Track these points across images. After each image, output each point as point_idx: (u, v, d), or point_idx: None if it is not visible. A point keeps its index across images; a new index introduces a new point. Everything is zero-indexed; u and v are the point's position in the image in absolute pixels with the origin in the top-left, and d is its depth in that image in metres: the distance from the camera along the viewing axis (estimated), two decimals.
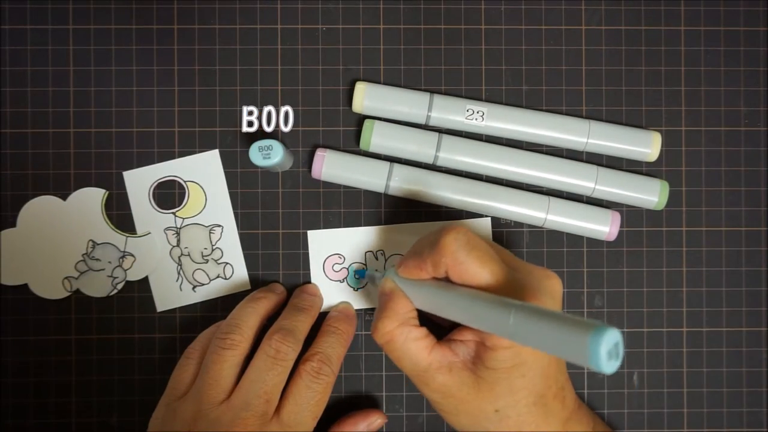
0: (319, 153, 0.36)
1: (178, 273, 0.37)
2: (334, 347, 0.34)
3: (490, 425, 0.29)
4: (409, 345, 0.29)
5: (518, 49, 0.38)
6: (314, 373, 0.32)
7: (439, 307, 0.29)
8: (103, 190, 0.37)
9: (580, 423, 0.31)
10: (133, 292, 0.37)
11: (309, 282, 0.37)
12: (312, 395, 0.32)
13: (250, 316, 0.33)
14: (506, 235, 0.38)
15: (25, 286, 0.36)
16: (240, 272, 0.37)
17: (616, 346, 0.21)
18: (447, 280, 0.29)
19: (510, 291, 0.27)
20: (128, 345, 0.37)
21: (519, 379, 0.28)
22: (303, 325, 0.34)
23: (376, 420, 0.36)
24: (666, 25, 0.38)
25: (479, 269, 0.27)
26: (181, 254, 0.37)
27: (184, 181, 0.37)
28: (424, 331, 0.30)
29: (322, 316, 0.36)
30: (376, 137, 0.36)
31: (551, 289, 0.28)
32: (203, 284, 0.37)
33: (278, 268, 0.37)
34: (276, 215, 0.37)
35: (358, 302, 0.37)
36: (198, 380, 0.32)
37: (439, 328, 0.33)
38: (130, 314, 0.37)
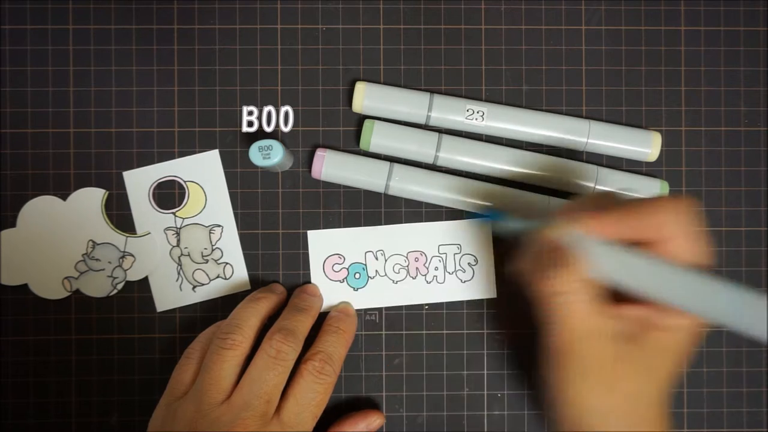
0: (319, 153, 0.36)
1: (178, 273, 0.37)
2: (335, 346, 0.33)
3: (615, 411, 0.28)
4: (582, 306, 0.27)
5: (518, 49, 0.38)
6: (316, 373, 0.32)
7: (636, 279, 0.26)
8: (103, 190, 0.37)
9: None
10: (133, 292, 0.37)
11: (309, 282, 0.37)
12: (313, 396, 0.32)
13: (250, 316, 0.33)
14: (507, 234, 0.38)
15: (25, 286, 0.36)
16: (240, 272, 0.37)
17: None
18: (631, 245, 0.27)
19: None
20: (128, 345, 0.37)
21: (668, 366, 0.28)
22: (303, 325, 0.34)
23: (375, 420, 0.36)
24: (666, 25, 0.38)
25: (696, 249, 0.26)
26: (181, 254, 0.37)
27: (184, 181, 0.37)
28: (595, 294, 0.28)
29: (323, 317, 0.36)
30: (376, 137, 0.36)
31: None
32: (203, 284, 0.37)
33: (278, 268, 0.37)
34: (276, 215, 0.37)
35: (358, 302, 0.37)
36: (198, 380, 0.32)
37: None
38: (130, 314, 0.37)
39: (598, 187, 0.36)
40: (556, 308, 0.28)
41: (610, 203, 0.28)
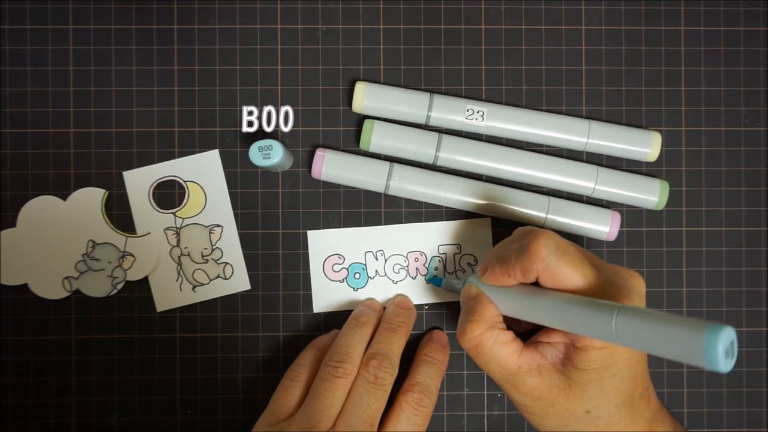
0: (319, 153, 0.36)
1: (178, 273, 0.37)
2: (432, 377, 0.34)
3: (579, 426, 0.30)
4: (498, 348, 0.29)
5: (518, 49, 0.38)
6: (415, 405, 0.32)
7: (529, 313, 0.29)
8: (103, 190, 0.37)
9: (663, 423, 0.31)
10: (133, 292, 0.37)
11: (401, 294, 0.37)
12: (412, 427, 0.32)
13: (359, 343, 0.33)
14: (507, 236, 0.38)
15: (25, 286, 0.36)
16: (240, 272, 0.37)
17: (732, 345, 0.21)
18: (534, 284, 0.29)
19: (601, 293, 0.27)
20: (128, 345, 0.37)
21: (610, 379, 0.28)
22: (397, 347, 0.34)
23: None
24: (666, 25, 0.38)
25: (572, 273, 0.28)
26: (181, 254, 0.37)
27: (184, 181, 0.37)
28: (511, 334, 0.30)
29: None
30: (376, 137, 0.36)
31: (638, 288, 0.28)
32: (203, 284, 0.37)
33: (278, 268, 0.37)
34: (276, 215, 0.37)
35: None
36: (307, 405, 0.32)
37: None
38: (129, 314, 0.37)
39: (598, 187, 0.36)
40: (477, 357, 0.30)
41: (508, 255, 0.30)
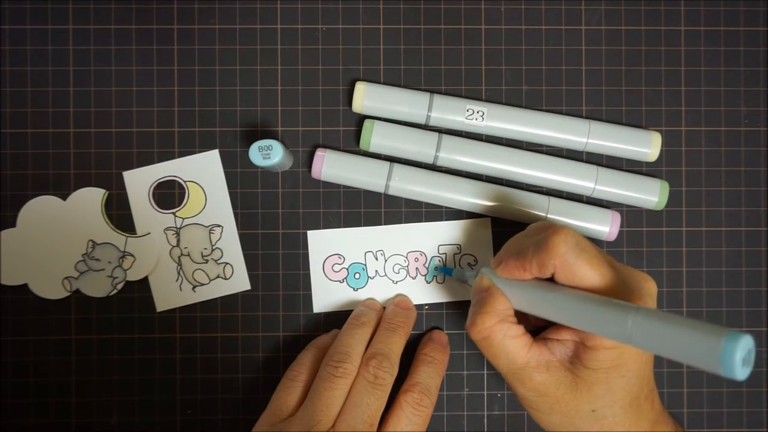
0: (319, 153, 0.36)
1: (178, 273, 0.37)
2: (432, 377, 0.34)
3: (584, 425, 0.30)
4: (507, 342, 0.29)
5: (518, 49, 0.38)
6: (415, 405, 0.32)
7: (541, 308, 0.28)
8: (103, 190, 0.37)
9: (666, 425, 0.31)
10: (133, 292, 0.37)
11: (401, 294, 0.37)
12: (411, 427, 0.32)
13: (359, 343, 0.33)
14: (507, 236, 0.38)
15: (25, 286, 0.36)
16: (240, 272, 0.37)
17: (749, 353, 0.20)
18: (549, 280, 0.29)
19: (615, 293, 0.27)
20: (128, 345, 0.37)
21: (618, 379, 0.28)
22: (397, 347, 0.34)
23: None
24: (666, 25, 0.38)
25: (589, 271, 0.27)
26: (181, 254, 0.37)
27: (184, 181, 0.37)
28: (521, 328, 0.30)
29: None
30: (376, 137, 0.36)
31: (650, 291, 0.28)
32: (203, 284, 0.37)
33: (278, 268, 0.37)
34: (276, 215, 0.37)
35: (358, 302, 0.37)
36: (307, 404, 0.32)
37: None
38: (129, 314, 0.37)
39: (598, 187, 0.36)
40: (485, 350, 0.30)
41: (525, 249, 0.30)
